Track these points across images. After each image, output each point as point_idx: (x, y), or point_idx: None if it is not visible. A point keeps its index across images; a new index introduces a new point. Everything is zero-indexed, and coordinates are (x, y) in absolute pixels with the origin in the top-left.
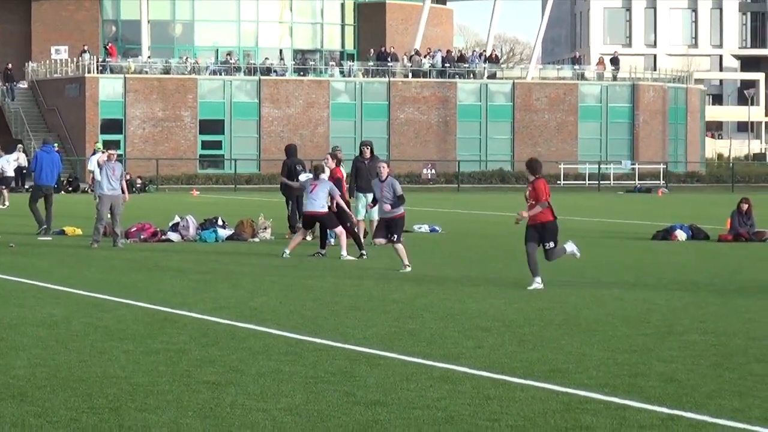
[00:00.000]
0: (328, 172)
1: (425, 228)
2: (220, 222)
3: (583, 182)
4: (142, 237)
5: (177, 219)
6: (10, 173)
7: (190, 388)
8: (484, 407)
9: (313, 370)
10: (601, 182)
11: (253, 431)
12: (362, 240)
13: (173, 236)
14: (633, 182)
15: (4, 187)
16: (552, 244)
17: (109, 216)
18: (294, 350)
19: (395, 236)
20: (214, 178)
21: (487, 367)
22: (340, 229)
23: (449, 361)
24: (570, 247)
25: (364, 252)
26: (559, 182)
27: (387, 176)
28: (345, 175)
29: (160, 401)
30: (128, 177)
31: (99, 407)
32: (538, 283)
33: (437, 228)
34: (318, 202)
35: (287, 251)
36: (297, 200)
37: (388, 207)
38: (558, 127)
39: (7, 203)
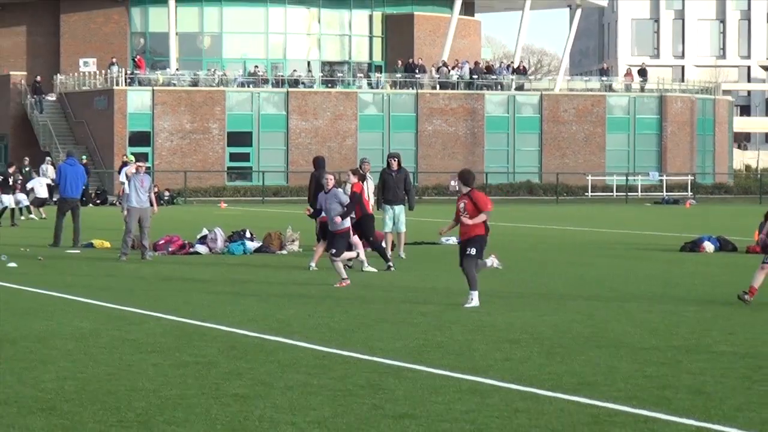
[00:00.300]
0: (348, 187)
1: (453, 240)
2: (248, 234)
3: (611, 194)
4: (170, 249)
5: (205, 231)
6: (43, 194)
7: (219, 401)
8: (512, 420)
9: (342, 383)
10: (628, 194)
11: None
12: (389, 252)
13: (201, 249)
14: (661, 194)
15: (35, 206)
16: (474, 251)
17: (137, 228)
18: (322, 363)
19: (334, 250)
20: (241, 191)
21: (516, 380)
22: (355, 240)
23: (477, 374)
24: (491, 261)
25: (390, 264)
26: (586, 194)
27: (332, 187)
28: (367, 189)
29: (189, 414)
30: (156, 189)
31: (128, 420)
32: (473, 299)
33: None
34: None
35: (313, 264)
36: None
37: (337, 219)
38: (586, 139)
39: (44, 215)
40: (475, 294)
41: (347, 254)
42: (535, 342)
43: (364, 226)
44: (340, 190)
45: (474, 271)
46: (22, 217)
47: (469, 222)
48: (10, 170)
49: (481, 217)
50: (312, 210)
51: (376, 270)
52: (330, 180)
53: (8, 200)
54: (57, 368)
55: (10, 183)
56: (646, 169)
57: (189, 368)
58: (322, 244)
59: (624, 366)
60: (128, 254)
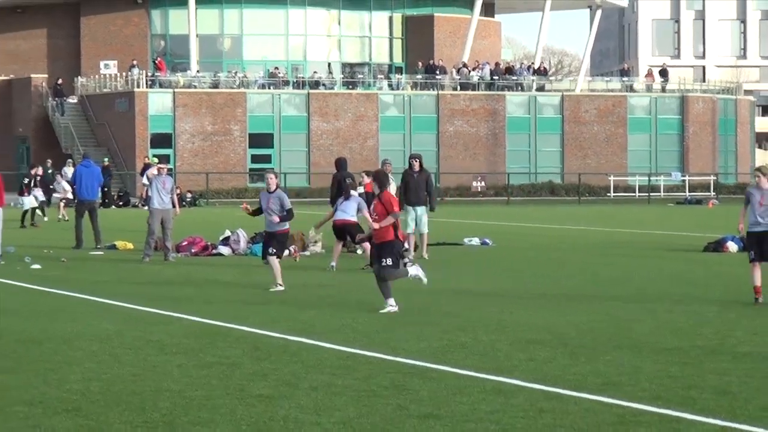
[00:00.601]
0: (361, 189)
1: (476, 241)
2: None
3: (633, 194)
4: (192, 251)
5: (227, 233)
6: (71, 195)
7: (244, 402)
8: (537, 420)
9: (366, 383)
10: (651, 194)
11: None
12: (412, 254)
13: (224, 250)
14: (683, 194)
15: (63, 203)
16: (389, 261)
17: (160, 230)
18: (346, 364)
19: (273, 249)
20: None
21: (540, 380)
22: (365, 245)
23: (502, 374)
24: (415, 270)
25: (407, 261)
26: (608, 194)
27: (276, 188)
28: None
29: (214, 415)
30: (179, 191)
31: (153, 421)
32: (391, 306)
33: (488, 241)
34: (347, 212)
35: (333, 264)
36: None
37: (276, 219)
38: (607, 139)
39: (66, 217)
40: (390, 301)
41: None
42: (559, 342)
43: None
44: (283, 193)
45: (390, 283)
46: (46, 218)
47: (376, 226)
48: (32, 172)
49: (389, 220)
50: (251, 209)
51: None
52: (272, 180)
53: (30, 202)
54: (82, 369)
55: (33, 185)
56: (668, 170)
57: (213, 369)
58: (340, 243)
59: (648, 366)
60: (151, 256)
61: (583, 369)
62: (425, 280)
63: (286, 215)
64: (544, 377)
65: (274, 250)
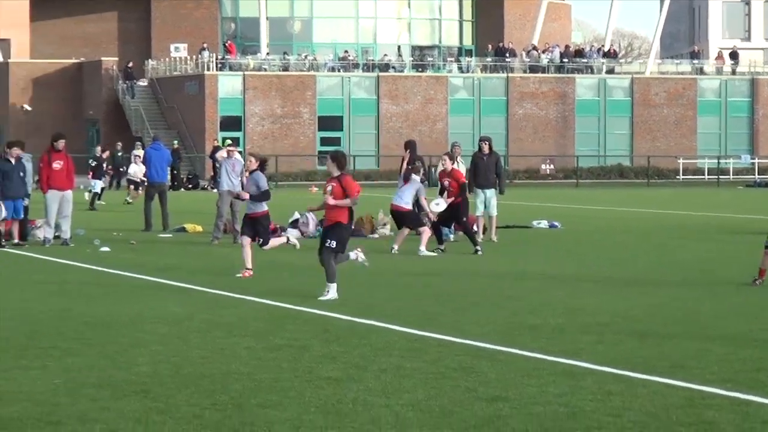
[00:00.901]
0: (442, 167)
1: (544, 223)
2: None
3: (702, 177)
4: None
5: (297, 215)
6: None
7: (313, 384)
8: (605, 403)
9: (435, 365)
10: (720, 177)
11: (376, 427)
12: (481, 236)
13: (293, 233)
14: (753, 176)
15: (132, 186)
16: (333, 243)
17: (229, 213)
18: (415, 346)
19: (261, 240)
20: None
21: (608, 363)
22: (421, 228)
23: (570, 357)
24: (355, 254)
25: (479, 248)
26: (678, 177)
27: (255, 169)
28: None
29: (283, 397)
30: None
31: (222, 403)
32: (331, 294)
33: (556, 224)
34: (403, 198)
35: (396, 247)
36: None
37: (246, 195)
38: (677, 122)
39: (130, 200)
40: (332, 287)
41: (275, 242)
42: (627, 325)
43: (462, 207)
44: (261, 174)
45: (332, 263)
46: (102, 202)
47: (332, 202)
48: (104, 155)
49: (346, 202)
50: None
51: (433, 254)
52: (251, 162)
53: (99, 185)
54: (150, 352)
55: (104, 168)
56: (738, 152)
57: (282, 351)
58: (405, 228)
59: (716, 349)
60: (220, 238)
61: (651, 352)
62: (367, 264)
63: (261, 196)
64: (612, 360)
65: (263, 240)
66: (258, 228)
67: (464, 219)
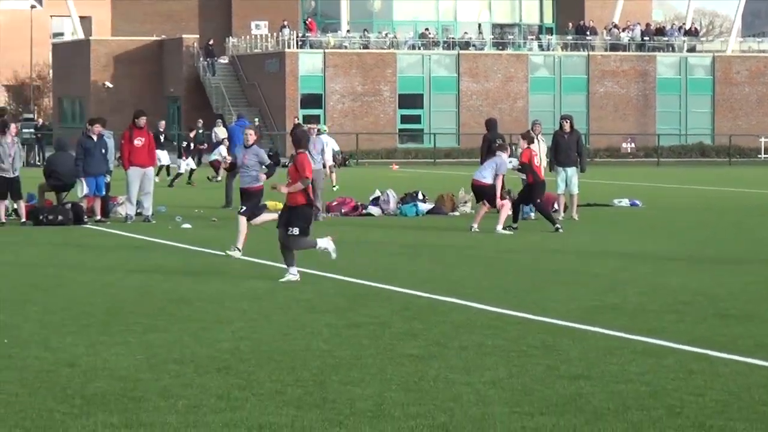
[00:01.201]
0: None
1: (625, 202)
2: (420, 196)
3: None
4: (343, 211)
5: (378, 193)
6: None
7: (394, 362)
8: (687, 382)
9: (516, 343)
10: None
11: (457, 405)
12: (561, 214)
13: (374, 210)
14: None
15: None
16: (296, 231)
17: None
18: (496, 324)
19: (243, 208)
20: (413, 153)
21: (690, 342)
22: (500, 204)
23: (651, 335)
24: (324, 243)
25: (558, 226)
26: (759, 156)
27: (253, 143)
28: (539, 151)
29: (364, 374)
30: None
31: (303, 380)
32: (292, 275)
33: (637, 202)
34: (483, 173)
35: (475, 225)
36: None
37: (263, 177)
38: (759, 101)
39: (219, 177)
40: (293, 269)
41: (265, 217)
42: (710, 304)
43: (534, 190)
44: (260, 148)
45: (294, 252)
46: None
47: (284, 190)
48: (192, 135)
49: (298, 186)
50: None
51: (509, 233)
52: (250, 135)
53: (184, 165)
54: (232, 328)
55: (192, 147)
56: None
57: (362, 329)
58: (484, 206)
59: None
60: None
61: (733, 331)
62: (334, 255)
63: (269, 170)
64: (694, 339)
65: (244, 209)
66: (253, 201)
67: (538, 200)
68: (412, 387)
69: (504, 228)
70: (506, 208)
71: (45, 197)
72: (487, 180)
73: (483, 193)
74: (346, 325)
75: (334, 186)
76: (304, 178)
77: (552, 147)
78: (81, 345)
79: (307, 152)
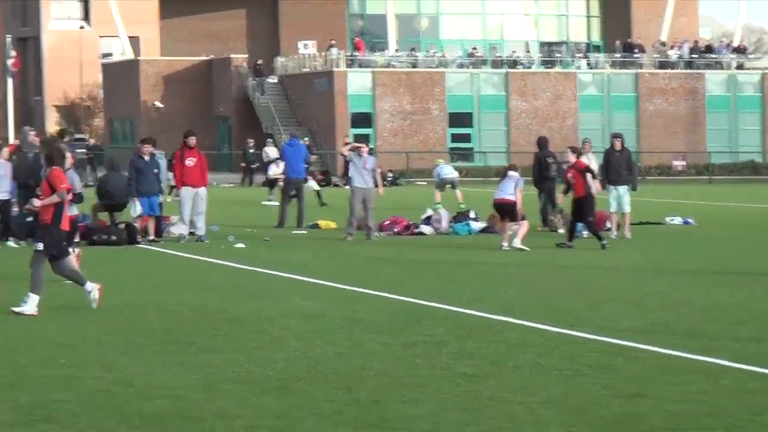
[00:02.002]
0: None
1: (678, 220)
2: (472, 215)
3: None
4: (395, 230)
5: (429, 212)
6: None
7: (450, 381)
8: (745, 401)
9: (570, 362)
10: None
11: (513, 424)
12: (614, 233)
13: (426, 229)
14: None
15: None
16: (41, 246)
17: (362, 209)
18: (551, 343)
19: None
20: (464, 171)
21: (747, 360)
22: (524, 222)
23: (707, 354)
24: (90, 287)
25: (605, 242)
26: None
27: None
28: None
29: (420, 394)
30: (380, 170)
31: (360, 400)
32: (28, 307)
33: (690, 220)
34: (505, 191)
35: (505, 244)
36: (549, 193)
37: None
38: None
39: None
40: (34, 298)
41: None
42: (765, 321)
43: (585, 205)
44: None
45: (40, 270)
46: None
47: (38, 203)
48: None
49: (53, 199)
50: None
51: (526, 249)
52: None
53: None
54: (286, 348)
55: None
56: None
57: (418, 348)
58: (506, 222)
59: None
60: (353, 235)
61: None
62: (94, 305)
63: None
64: (750, 357)
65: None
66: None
67: (590, 218)
68: (467, 406)
69: (558, 245)
70: (527, 224)
71: (98, 217)
72: (512, 197)
73: (508, 210)
74: (402, 344)
75: (461, 203)
76: (59, 191)
77: (603, 165)
78: (138, 365)
79: (60, 168)
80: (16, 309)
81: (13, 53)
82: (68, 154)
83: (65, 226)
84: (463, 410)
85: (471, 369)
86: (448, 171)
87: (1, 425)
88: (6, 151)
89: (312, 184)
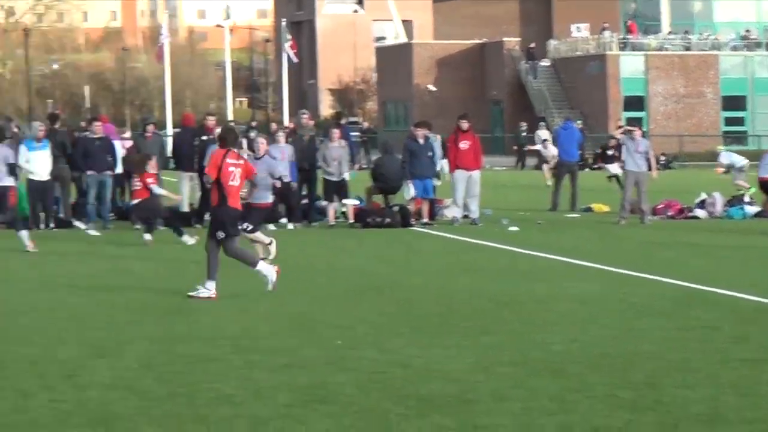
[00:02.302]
0: None
1: None
2: (747, 199)
3: None
4: (668, 214)
5: (704, 196)
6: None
7: (726, 366)
8: None
9: None
10: None
11: None
12: None
13: (700, 213)
14: None
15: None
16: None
17: (634, 193)
18: None
19: (249, 226)
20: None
21: None
22: None
23: None
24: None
25: None
26: None
27: (264, 154)
28: None
29: (696, 378)
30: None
31: (635, 383)
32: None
33: None
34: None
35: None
36: None
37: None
38: None
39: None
40: (210, 284)
41: (258, 236)
42: None
43: None
44: (272, 159)
45: (218, 254)
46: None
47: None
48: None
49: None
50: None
51: None
52: (262, 145)
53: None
54: (562, 330)
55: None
56: None
57: (692, 332)
58: None
59: None
60: (627, 218)
61: None
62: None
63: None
64: None
65: (250, 226)
66: (250, 215)
67: None
68: (746, 391)
69: None
70: None
71: (372, 200)
72: None
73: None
74: (675, 328)
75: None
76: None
77: None
78: (413, 346)
79: (224, 150)
80: (192, 293)
81: (289, 37)
82: (262, 142)
83: (234, 203)
84: (742, 395)
85: (748, 353)
86: (738, 159)
87: (279, 406)
88: (282, 135)
89: (613, 168)
